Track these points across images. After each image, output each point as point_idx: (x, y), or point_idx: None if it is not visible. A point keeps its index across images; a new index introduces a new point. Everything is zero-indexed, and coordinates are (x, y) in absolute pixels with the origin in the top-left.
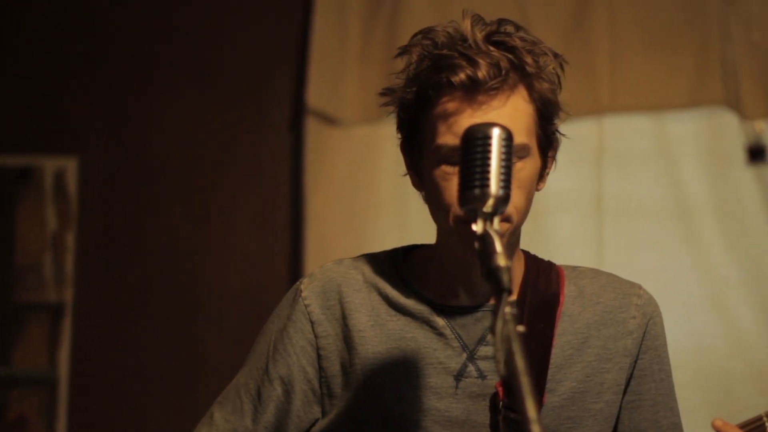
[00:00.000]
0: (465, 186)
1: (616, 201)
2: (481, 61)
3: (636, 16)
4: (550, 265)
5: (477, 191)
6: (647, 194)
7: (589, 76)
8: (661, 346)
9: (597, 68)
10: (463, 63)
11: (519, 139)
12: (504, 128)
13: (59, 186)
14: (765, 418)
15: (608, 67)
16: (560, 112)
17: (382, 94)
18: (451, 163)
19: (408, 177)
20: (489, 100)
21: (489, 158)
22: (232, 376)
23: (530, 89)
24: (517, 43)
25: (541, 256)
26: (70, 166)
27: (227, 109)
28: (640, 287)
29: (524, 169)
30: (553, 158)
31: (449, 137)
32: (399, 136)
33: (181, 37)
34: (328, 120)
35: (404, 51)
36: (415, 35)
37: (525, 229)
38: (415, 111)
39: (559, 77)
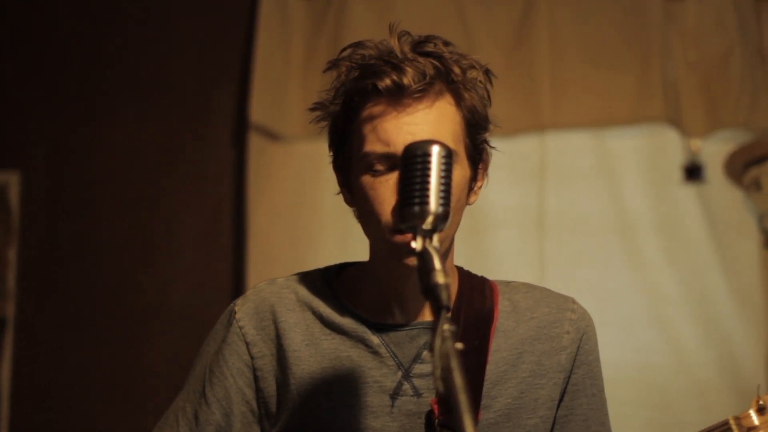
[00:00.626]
0: (404, 203)
1: (558, 217)
2: (407, 68)
3: (577, 33)
4: (483, 280)
5: (416, 208)
6: (588, 210)
7: (530, 92)
8: (594, 360)
9: (538, 85)
10: (389, 69)
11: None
12: (444, 146)
13: (1, 201)
14: (732, 422)
15: (549, 84)
16: (490, 125)
17: (312, 110)
18: (378, 171)
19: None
20: (415, 104)
21: (429, 175)
22: (174, 391)
23: (457, 98)
24: (444, 53)
25: (482, 272)
26: (12, 181)
27: (170, 124)
28: (573, 301)
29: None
30: (484, 172)
31: (377, 144)
32: (331, 153)
33: (124, 52)
34: (271, 135)
35: (333, 65)
36: (344, 49)
37: (466, 246)
38: (343, 122)
39: (488, 91)
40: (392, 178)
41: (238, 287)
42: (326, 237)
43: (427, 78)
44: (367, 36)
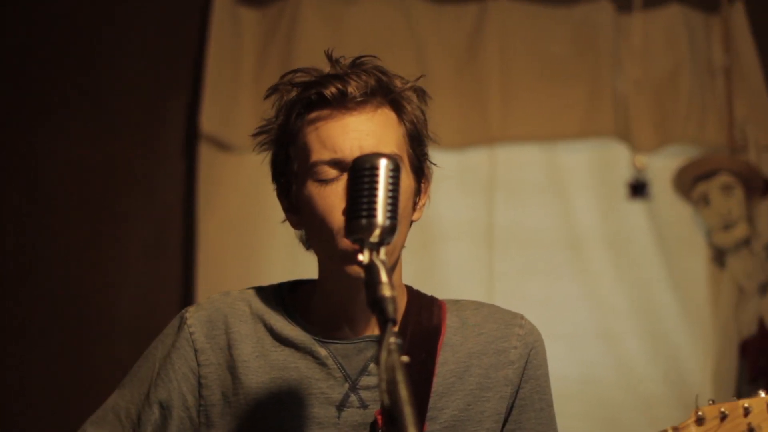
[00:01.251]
0: (352, 216)
1: (507, 230)
2: (349, 79)
3: (527, 48)
4: (432, 299)
5: (364, 221)
6: (538, 224)
7: (480, 106)
8: (543, 375)
9: (488, 98)
10: (333, 80)
11: (389, 149)
12: (392, 159)
13: None
14: None
15: (500, 97)
16: (430, 141)
17: (256, 134)
18: (326, 179)
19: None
20: (359, 111)
21: (376, 188)
22: None
23: (398, 110)
24: (383, 69)
25: (431, 284)
26: None
27: (120, 134)
28: (522, 317)
29: None
30: (427, 188)
31: (323, 152)
32: (275, 184)
33: (75, 62)
34: (222, 146)
35: (274, 91)
36: (284, 76)
37: (416, 258)
38: (286, 139)
39: (423, 111)
40: (341, 184)
41: (187, 297)
42: (275, 247)
43: (369, 89)
44: (317, 46)
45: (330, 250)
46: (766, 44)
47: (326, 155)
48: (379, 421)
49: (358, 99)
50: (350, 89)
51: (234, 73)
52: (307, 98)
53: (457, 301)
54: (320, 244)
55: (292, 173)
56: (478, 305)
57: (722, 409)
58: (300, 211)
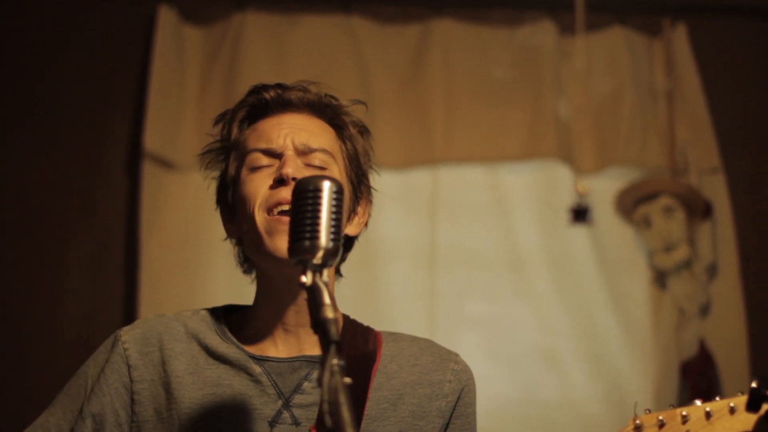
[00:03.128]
0: (295, 237)
1: (449, 251)
2: (292, 91)
3: (471, 69)
4: (368, 329)
5: (307, 243)
6: (480, 245)
7: (424, 127)
8: (472, 414)
9: (432, 120)
10: (274, 87)
11: (319, 144)
12: (335, 181)
13: None
14: None
15: (443, 118)
16: (371, 170)
17: (203, 154)
18: (258, 167)
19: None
20: (297, 112)
21: (319, 210)
22: None
23: (337, 128)
24: (326, 93)
25: (373, 304)
26: None
27: (63, 152)
28: (457, 355)
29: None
30: (366, 208)
31: (258, 142)
32: (217, 195)
33: (18, 79)
34: (165, 164)
35: (223, 116)
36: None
37: (358, 278)
38: (229, 149)
39: (363, 142)
40: (271, 170)
41: (129, 314)
42: (218, 266)
43: (308, 100)
44: (262, 66)
45: (251, 228)
46: (708, 67)
47: (260, 144)
48: None
49: (296, 102)
50: (289, 95)
51: (178, 91)
52: (250, 104)
53: (392, 333)
54: (246, 228)
55: (231, 178)
56: (415, 338)
57: (660, 417)
58: (235, 212)
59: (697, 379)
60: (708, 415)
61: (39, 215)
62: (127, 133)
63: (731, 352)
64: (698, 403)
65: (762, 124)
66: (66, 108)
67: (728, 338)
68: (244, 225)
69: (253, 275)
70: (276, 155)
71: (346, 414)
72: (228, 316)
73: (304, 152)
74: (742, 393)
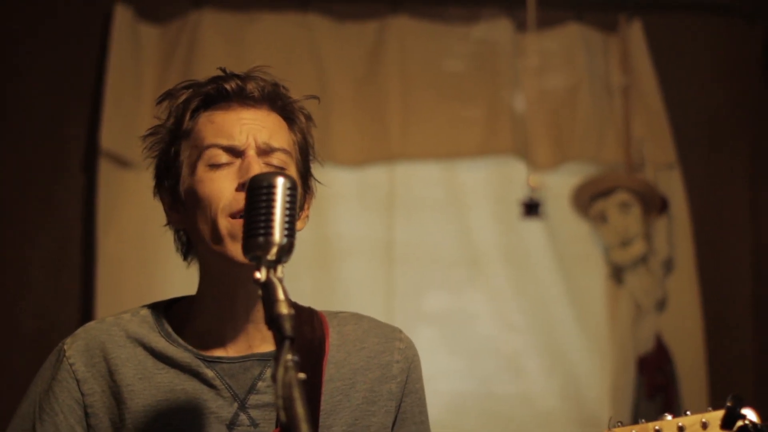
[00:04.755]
0: (249, 234)
1: (406, 247)
2: (248, 80)
3: (426, 66)
4: (311, 311)
5: (261, 239)
6: (437, 241)
7: (380, 124)
8: (421, 389)
9: (388, 116)
10: (233, 77)
11: (279, 144)
12: (289, 178)
13: None
14: None
15: (399, 115)
16: (315, 161)
17: (147, 136)
18: (219, 165)
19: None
20: (256, 107)
21: (273, 207)
22: None
23: (289, 120)
24: (277, 82)
25: (330, 300)
26: None
27: (19, 150)
28: (400, 331)
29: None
30: (310, 202)
31: (218, 139)
32: (155, 179)
33: None
34: (121, 162)
35: (167, 95)
36: (178, 84)
37: (315, 275)
38: (178, 134)
39: (310, 132)
40: (232, 168)
41: (87, 312)
42: (175, 263)
43: (266, 92)
44: (218, 64)
45: (213, 231)
46: (663, 63)
47: (221, 140)
48: None
49: (256, 96)
50: (249, 86)
51: (134, 89)
52: (205, 93)
53: (336, 314)
54: (203, 228)
55: (181, 166)
56: (358, 319)
57: (633, 431)
58: (185, 204)
59: (654, 373)
60: (681, 429)
61: None
62: (84, 131)
63: (688, 347)
64: (669, 417)
65: (717, 119)
66: (23, 106)
67: (685, 333)
68: (202, 225)
69: (190, 264)
70: (237, 153)
71: (300, 410)
72: (169, 312)
73: (265, 151)
74: (712, 408)
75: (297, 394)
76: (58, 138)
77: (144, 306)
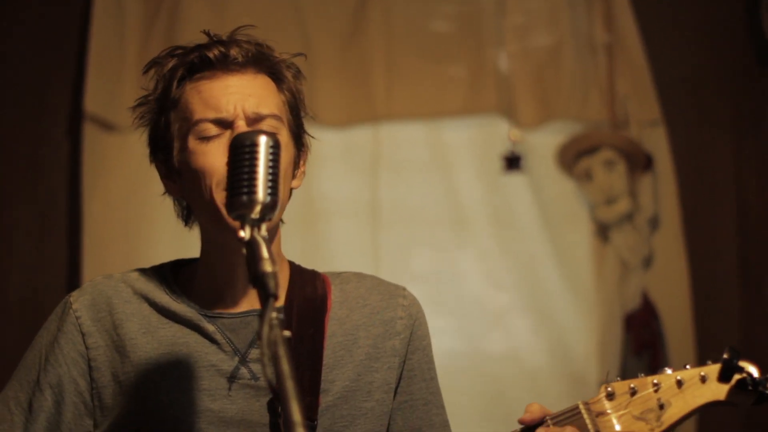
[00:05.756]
0: (232, 192)
1: (392, 207)
2: (231, 45)
3: (410, 26)
4: (314, 273)
5: (245, 198)
6: (422, 201)
7: (364, 84)
8: (428, 346)
9: (372, 77)
10: (215, 44)
11: (269, 110)
12: (271, 135)
13: None
14: (581, 407)
15: (383, 76)
16: (306, 115)
17: (135, 107)
18: (209, 137)
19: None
20: (241, 72)
21: (256, 165)
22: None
23: (277, 80)
24: (261, 42)
25: (316, 262)
26: None
27: (3, 115)
28: (404, 289)
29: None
30: (305, 158)
31: (207, 111)
32: (149, 148)
33: None
34: (106, 126)
35: (153, 64)
36: (163, 51)
37: (301, 236)
38: (168, 104)
39: (299, 87)
40: (222, 140)
41: (73, 278)
42: (161, 228)
43: (250, 55)
44: (200, 26)
45: (210, 205)
46: (647, 21)
47: (209, 114)
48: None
49: (240, 61)
50: (232, 52)
51: (118, 53)
52: (190, 62)
53: (339, 274)
54: (200, 202)
55: (172, 138)
56: (360, 277)
57: (632, 385)
58: (180, 175)
59: (641, 331)
60: (679, 383)
61: None
62: (68, 95)
63: (674, 304)
64: (669, 371)
65: (701, 75)
66: (6, 72)
67: (671, 290)
68: (198, 197)
69: (192, 227)
70: (226, 124)
71: (285, 367)
72: (175, 273)
73: (255, 120)
74: (713, 362)
75: (282, 352)
76: (42, 103)
77: (152, 266)
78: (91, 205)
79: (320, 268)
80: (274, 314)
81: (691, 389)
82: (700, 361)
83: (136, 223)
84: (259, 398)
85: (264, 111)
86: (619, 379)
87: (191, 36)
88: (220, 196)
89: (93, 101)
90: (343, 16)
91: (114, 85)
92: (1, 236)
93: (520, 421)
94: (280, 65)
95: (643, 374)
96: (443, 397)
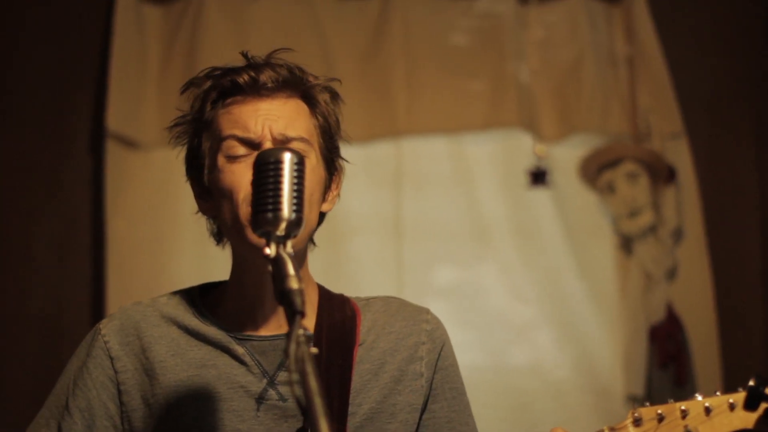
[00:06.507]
0: (258, 209)
1: (415, 222)
2: (263, 69)
3: (431, 41)
4: (342, 298)
5: (270, 215)
6: (445, 215)
7: (386, 99)
8: (451, 366)
9: (394, 92)
10: (246, 69)
11: (297, 133)
12: (296, 153)
13: None
14: None
15: (405, 90)
16: (341, 138)
17: (172, 127)
18: (236, 157)
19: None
20: (271, 97)
21: (281, 182)
22: (33, 399)
23: (310, 103)
24: (296, 65)
25: (341, 278)
26: None
27: (26, 133)
28: (428, 312)
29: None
30: (338, 182)
31: (235, 129)
32: (185, 167)
33: None
34: (128, 143)
35: (190, 84)
36: (201, 71)
37: (325, 253)
38: (201, 126)
39: (335, 110)
40: (249, 160)
41: (96, 295)
42: (185, 244)
43: (282, 79)
44: (222, 43)
45: (236, 222)
46: (667, 33)
47: (237, 131)
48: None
49: (270, 86)
50: (263, 77)
51: (139, 70)
52: (221, 86)
53: (366, 301)
54: (228, 219)
55: (203, 157)
56: (386, 303)
57: (659, 411)
58: (211, 194)
59: (666, 343)
60: (707, 410)
61: (4, 197)
62: (90, 113)
63: (699, 315)
64: (699, 397)
65: (722, 87)
66: (29, 89)
67: (695, 301)
68: (226, 215)
69: (224, 246)
70: (254, 145)
71: (313, 383)
72: (204, 296)
73: (282, 141)
74: (743, 389)
75: (309, 368)
76: (64, 120)
77: (179, 290)
78: (114, 221)
79: (343, 283)
80: (301, 331)
81: (719, 417)
82: (725, 373)
83: (159, 240)
84: (287, 419)
85: (291, 134)
86: (648, 404)
87: (212, 52)
88: (245, 213)
89: (115, 119)
90: (364, 31)
91: (136, 102)
92: (25, 254)
93: None
94: (313, 89)
95: (672, 400)
96: None
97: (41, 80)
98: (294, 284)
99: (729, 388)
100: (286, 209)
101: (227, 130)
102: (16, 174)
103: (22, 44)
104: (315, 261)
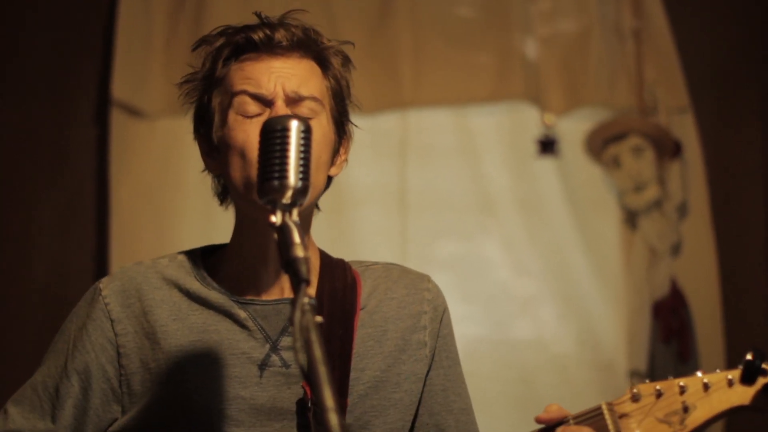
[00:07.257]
0: (264, 177)
1: (420, 194)
2: (278, 28)
3: (437, 13)
4: (343, 263)
5: (276, 183)
6: (450, 187)
7: (392, 71)
8: (449, 335)
9: (400, 63)
10: (261, 27)
11: (309, 92)
12: (303, 120)
13: None
14: (604, 408)
15: (411, 62)
16: (352, 103)
17: (182, 83)
18: (248, 113)
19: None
20: (285, 55)
21: (288, 150)
22: (35, 369)
23: (323, 65)
24: (310, 26)
25: (345, 249)
26: None
27: (30, 101)
28: (429, 279)
29: (315, 127)
30: (347, 147)
31: (248, 85)
32: (193, 125)
33: None
34: (134, 112)
35: (202, 42)
36: (213, 30)
37: (329, 223)
38: (212, 83)
39: (346, 74)
40: (261, 119)
41: (101, 264)
42: (189, 213)
43: (296, 39)
44: (228, 12)
45: (245, 179)
46: (675, 6)
47: (249, 87)
48: (308, 392)
49: (285, 45)
50: (278, 36)
51: (145, 38)
52: (235, 42)
53: (366, 266)
54: (235, 176)
55: (213, 113)
56: (386, 269)
57: (658, 387)
58: (219, 151)
59: (669, 318)
60: (706, 386)
61: (9, 165)
62: (96, 82)
63: (703, 291)
64: (699, 374)
65: (729, 61)
66: (34, 58)
67: (700, 277)
68: (235, 173)
69: (227, 207)
70: (266, 102)
71: (317, 352)
72: (206, 258)
73: (294, 100)
74: (742, 366)
75: (314, 337)
76: (69, 89)
77: (181, 252)
78: (119, 191)
79: (348, 254)
80: (306, 300)
81: (717, 393)
82: (728, 349)
83: (164, 208)
84: (290, 386)
85: (304, 92)
86: (648, 381)
87: (218, 21)
88: (254, 172)
89: (120, 88)
90: (370, 3)
91: (141, 71)
92: (29, 222)
93: (537, 419)
94: (326, 51)
95: (671, 377)
96: (469, 383)
97: (45, 50)
98: (299, 252)
99: (732, 364)
100: (293, 177)
101: (239, 86)
102: (21, 143)
103: (27, 13)
104: (319, 230)
